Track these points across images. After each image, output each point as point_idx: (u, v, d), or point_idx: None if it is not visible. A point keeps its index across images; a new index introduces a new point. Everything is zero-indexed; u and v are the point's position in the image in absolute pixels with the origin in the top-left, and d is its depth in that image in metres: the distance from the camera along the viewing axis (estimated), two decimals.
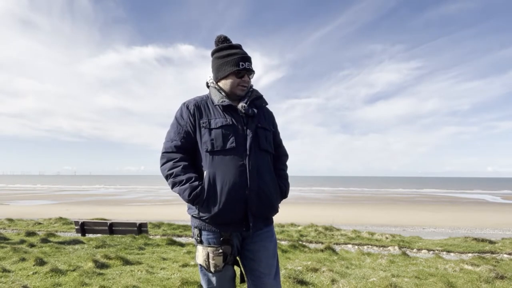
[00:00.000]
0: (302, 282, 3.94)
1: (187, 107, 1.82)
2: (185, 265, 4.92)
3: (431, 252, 7.90)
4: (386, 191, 52.26)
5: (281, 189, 1.90)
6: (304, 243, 7.93)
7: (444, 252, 7.86)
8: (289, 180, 2.00)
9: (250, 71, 1.83)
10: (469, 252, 7.80)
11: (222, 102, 1.78)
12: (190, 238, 9.56)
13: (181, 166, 1.73)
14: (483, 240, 8.86)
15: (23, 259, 4.85)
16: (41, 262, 4.60)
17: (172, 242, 7.37)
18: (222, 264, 1.72)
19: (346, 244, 8.91)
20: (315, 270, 4.54)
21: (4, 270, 4.21)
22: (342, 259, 5.82)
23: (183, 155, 1.78)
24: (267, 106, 2.00)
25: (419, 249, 8.17)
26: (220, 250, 1.71)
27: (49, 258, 5.16)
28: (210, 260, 1.72)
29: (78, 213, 17.51)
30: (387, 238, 9.45)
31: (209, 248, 1.72)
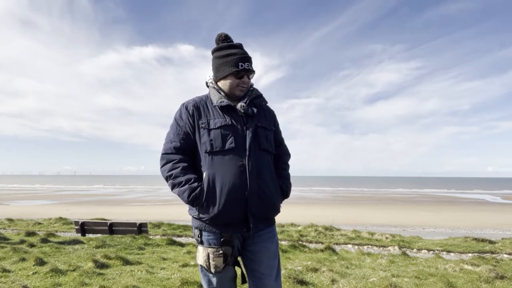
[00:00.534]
0: (302, 282, 3.94)
1: (186, 108, 1.80)
2: (185, 265, 4.92)
3: (431, 252, 7.90)
4: (386, 191, 52.25)
5: (282, 189, 1.88)
6: (304, 243, 7.93)
7: (444, 252, 7.86)
8: (290, 180, 1.98)
9: (250, 72, 1.81)
10: (469, 252, 7.80)
11: (220, 102, 1.77)
12: (190, 238, 9.56)
13: (180, 168, 1.73)
14: (483, 240, 8.86)
15: (23, 259, 4.85)
16: (41, 262, 4.60)
17: (172, 242, 7.37)
18: (223, 265, 1.71)
19: (346, 244, 8.91)
20: (315, 270, 4.54)
21: (4, 270, 4.21)
22: (342, 259, 5.82)
23: (183, 156, 1.77)
24: (268, 104, 1.97)
25: (419, 249, 8.17)
26: (221, 251, 1.70)
27: (49, 258, 5.16)
28: (210, 261, 1.71)
29: (78, 213, 17.51)
30: (387, 238, 9.45)
31: (209, 248, 1.72)
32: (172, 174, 1.73)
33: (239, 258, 1.85)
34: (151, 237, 8.43)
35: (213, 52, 1.88)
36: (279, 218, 2.12)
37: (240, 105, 1.77)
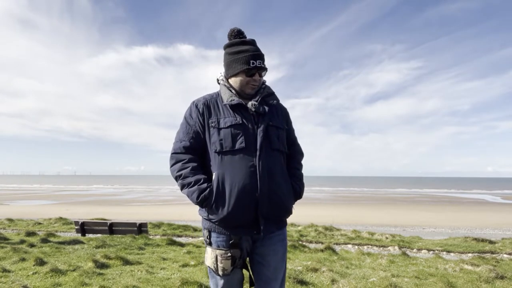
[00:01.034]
0: (302, 282, 3.94)
1: (196, 106, 1.75)
2: (185, 265, 4.91)
3: (431, 252, 7.90)
4: (386, 191, 52.24)
5: (295, 189, 1.81)
6: (304, 243, 7.93)
7: (444, 252, 7.86)
8: (303, 180, 1.93)
9: (262, 69, 1.75)
10: (469, 252, 7.80)
11: (231, 101, 1.71)
12: (190, 238, 9.56)
13: (189, 168, 1.68)
14: (483, 240, 8.87)
15: (23, 259, 4.85)
16: (41, 262, 4.59)
17: (172, 242, 7.37)
18: (231, 268, 1.67)
19: (346, 244, 8.91)
20: (315, 270, 4.54)
21: (4, 270, 4.21)
22: (342, 259, 5.82)
23: (192, 156, 1.72)
24: (281, 102, 1.90)
25: (419, 249, 8.17)
26: (229, 254, 1.66)
27: (49, 258, 5.16)
28: (218, 263, 1.67)
29: (78, 213, 17.50)
30: (387, 238, 9.45)
31: (217, 250, 1.68)
32: (181, 174, 1.69)
33: (247, 261, 1.81)
34: (151, 237, 8.43)
35: (225, 48, 1.81)
36: None
37: (251, 104, 1.72)
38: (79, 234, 9.12)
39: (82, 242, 6.89)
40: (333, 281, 4.03)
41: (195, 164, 1.70)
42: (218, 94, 1.81)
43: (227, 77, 1.81)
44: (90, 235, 8.96)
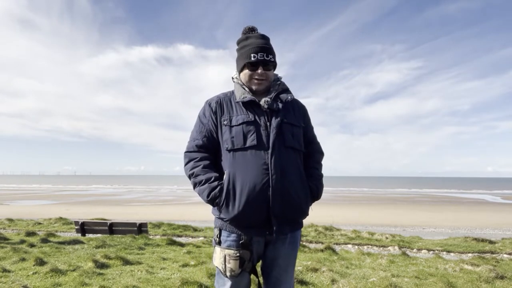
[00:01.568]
0: (302, 282, 3.94)
1: (209, 105, 1.74)
2: (185, 265, 4.91)
3: (431, 252, 7.89)
4: (386, 191, 52.25)
5: (312, 190, 1.74)
6: (304, 243, 7.93)
7: (444, 252, 7.86)
8: (321, 181, 1.85)
9: (266, 62, 1.69)
10: (469, 252, 7.80)
11: (243, 98, 1.68)
12: (190, 238, 9.56)
13: (201, 166, 1.67)
14: (483, 240, 8.86)
15: (23, 259, 4.85)
16: (41, 262, 4.59)
17: (172, 242, 7.37)
18: (239, 269, 1.63)
19: (346, 244, 8.91)
20: (315, 270, 4.54)
21: (4, 270, 4.21)
22: (342, 259, 5.82)
23: (205, 154, 1.71)
24: (298, 99, 1.86)
25: (419, 249, 8.16)
26: (238, 254, 1.62)
27: (49, 258, 5.16)
28: (226, 263, 1.63)
29: (78, 213, 17.50)
30: (387, 238, 9.45)
31: (226, 250, 1.64)
32: (193, 173, 1.67)
33: (257, 266, 1.77)
34: (151, 237, 8.43)
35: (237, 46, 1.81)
36: None
37: (264, 100, 1.68)
38: (79, 234, 9.12)
39: (82, 242, 6.89)
40: (333, 281, 4.03)
41: (207, 162, 1.69)
42: (232, 93, 1.79)
43: (239, 75, 1.79)
44: (90, 235, 8.96)
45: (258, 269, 1.82)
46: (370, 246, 8.63)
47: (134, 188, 56.02)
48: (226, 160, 1.66)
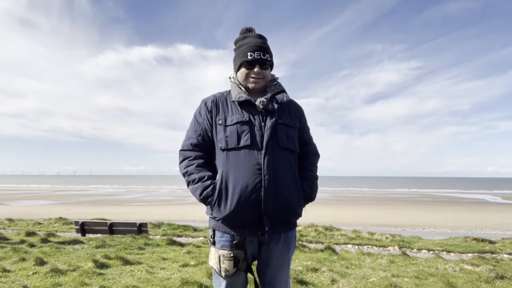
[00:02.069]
0: (302, 282, 3.94)
1: (205, 104, 1.76)
2: (185, 265, 4.91)
3: (431, 252, 7.89)
4: (386, 191, 52.20)
5: (305, 191, 1.74)
6: (304, 243, 7.93)
7: (444, 252, 7.86)
8: (316, 182, 1.85)
9: (263, 61, 1.70)
10: (469, 252, 7.80)
11: (239, 97, 1.69)
12: (190, 238, 9.56)
13: (195, 165, 1.68)
14: (483, 240, 8.86)
15: (23, 259, 4.85)
16: (41, 262, 4.59)
17: (172, 242, 7.37)
18: (233, 269, 1.64)
19: (346, 244, 8.91)
20: (315, 270, 4.54)
21: (4, 270, 4.21)
22: (342, 259, 5.81)
23: (199, 153, 1.72)
24: (295, 100, 1.86)
25: (419, 249, 8.16)
26: (232, 254, 1.64)
27: (49, 258, 5.16)
28: (221, 264, 1.65)
29: (78, 213, 17.50)
30: (387, 238, 9.45)
31: (221, 251, 1.66)
32: (187, 171, 1.69)
33: (253, 264, 1.78)
34: (151, 237, 8.43)
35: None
36: None
37: (259, 100, 1.69)
38: (79, 234, 9.11)
39: (82, 242, 6.89)
40: (333, 281, 4.03)
41: (201, 161, 1.70)
42: (229, 92, 1.80)
43: (236, 75, 1.82)
44: (90, 235, 8.96)
45: (254, 267, 1.82)
46: (370, 246, 8.63)
47: (134, 188, 56.00)
48: (220, 159, 1.67)
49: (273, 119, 1.68)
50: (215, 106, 1.74)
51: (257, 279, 1.79)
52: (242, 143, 1.62)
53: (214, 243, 1.70)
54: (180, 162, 1.75)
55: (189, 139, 1.75)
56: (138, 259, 5.29)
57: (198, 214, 16.98)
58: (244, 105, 1.70)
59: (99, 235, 8.68)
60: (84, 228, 9.12)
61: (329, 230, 10.69)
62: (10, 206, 24.19)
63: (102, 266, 4.61)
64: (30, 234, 8.14)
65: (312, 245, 7.84)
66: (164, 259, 5.53)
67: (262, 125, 1.66)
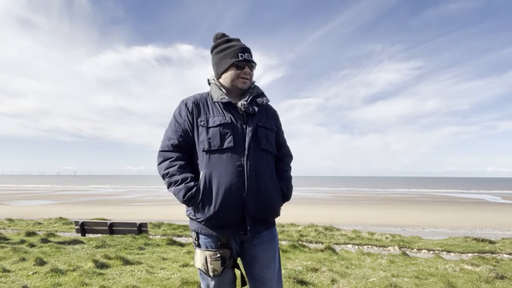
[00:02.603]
0: (302, 282, 3.94)
1: (186, 105, 1.76)
2: (185, 265, 4.92)
3: (431, 252, 7.89)
4: (386, 191, 52.21)
5: (283, 191, 1.81)
6: (304, 243, 7.92)
7: (444, 252, 7.86)
8: (291, 182, 1.92)
9: (251, 62, 1.76)
10: (469, 252, 7.80)
11: (221, 99, 1.72)
12: (190, 238, 9.56)
13: (177, 166, 1.68)
14: (483, 240, 8.86)
15: (23, 259, 4.85)
16: (41, 262, 4.60)
17: (172, 242, 7.37)
18: (221, 268, 1.66)
19: (346, 244, 8.91)
20: (315, 270, 4.54)
21: (4, 270, 4.21)
22: (342, 259, 5.82)
23: (180, 154, 1.72)
24: (270, 104, 1.92)
25: (419, 249, 8.16)
26: (218, 255, 1.66)
27: (49, 258, 5.16)
28: (208, 265, 1.66)
29: (78, 213, 17.50)
30: (387, 238, 9.45)
31: (207, 252, 1.67)
32: (168, 172, 1.68)
33: (238, 261, 1.80)
34: (151, 237, 8.43)
35: (212, 51, 1.86)
36: (279, 218, 2.09)
37: (241, 103, 1.73)
38: (79, 234, 9.11)
39: (82, 242, 6.89)
40: (333, 281, 4.03)
41: (182, 163, 1.70)
42: (208, 94, 1.82)
43: (217, 77, 1.84)
44: (90, 235, 8.96)
45: (240, 262, 1.85)
46: (370, 246, 8.63)
47: (134, 188, 55.98)
48: (202, 160, 1.68)
49: (254, 122, 1.73)
50: (196, 107, 1.75)
51: (243, 272, 1.81)
52: (225, 145, 1.65)
53: (199, 245, 1.71)
54: (160, 163, 1.73)
55: (169, 140, 1.74)
56: (138, 259, 5.29)
57: None
58: (226, 107, 1.73)
59: (99, 235, 8.68)
60: (84, 228, 9.11)
61: (329, 230, 10.69)
62: (10, 206, 24.19)
63: (102, 266, 4.62)
64: (30, 234, 8.14)
65: (312, 245, 7.84)
66: (164, 259, 5.53)
67: (244, 127, 1.70)
